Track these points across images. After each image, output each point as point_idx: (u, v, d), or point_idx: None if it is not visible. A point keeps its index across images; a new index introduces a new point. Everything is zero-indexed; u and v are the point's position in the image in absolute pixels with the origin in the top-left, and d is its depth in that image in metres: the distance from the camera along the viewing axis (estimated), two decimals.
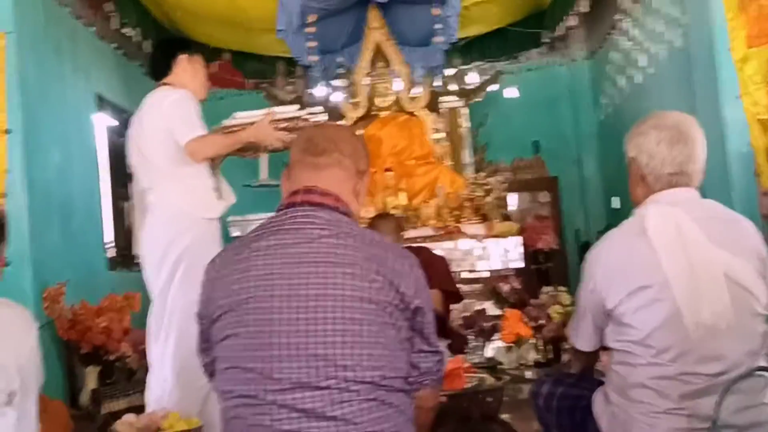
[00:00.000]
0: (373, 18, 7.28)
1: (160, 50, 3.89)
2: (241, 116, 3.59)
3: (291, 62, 7.73)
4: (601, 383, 2.42)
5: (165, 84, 3.61)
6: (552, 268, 7.19)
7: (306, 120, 3.55)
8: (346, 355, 1.70)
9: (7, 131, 4.45)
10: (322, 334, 1.70)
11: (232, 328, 1.77)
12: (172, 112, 3.41)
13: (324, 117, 7.00)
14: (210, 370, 1.93)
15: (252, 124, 3.48)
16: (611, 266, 2.26)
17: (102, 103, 6.40)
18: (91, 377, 4.67)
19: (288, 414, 1.68)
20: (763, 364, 2.17)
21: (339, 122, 7.32)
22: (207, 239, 3.39)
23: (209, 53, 7.87)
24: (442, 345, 3.87)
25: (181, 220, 3.43)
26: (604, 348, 2.39)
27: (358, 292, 1.73)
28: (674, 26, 5.69)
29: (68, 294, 4.72)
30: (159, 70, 3.67)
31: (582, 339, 2.44)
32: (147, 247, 3.48)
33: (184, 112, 3.43)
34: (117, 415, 3.83)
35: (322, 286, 1.73)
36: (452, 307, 5.02)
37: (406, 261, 1.81)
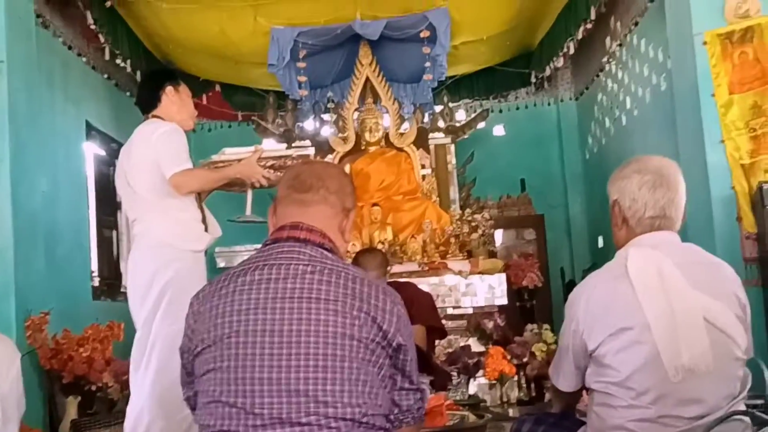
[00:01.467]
0: (364, 54, 7.36)
1: (148, 82, 3.90)
2: (230, 152, 3.61)
3: (281, 96, 7.78)
4: (583, 423, 2.42)
5: (154, 116, 3.63)
6: (536, 305, 7.21)
7: (294, 159, 3.57)
8: (327, 392, 1.70)
9: None
10: (303, 370, 1.71)
11: (214, 362, 1.77)
12: (160, 144, 3.41)
13: (311, 152, 7.03)
14: (192, 404, 1.93)
15: (240, 160, 3.49)
16: (593, 307, 2.27)
17: (91, 131, 6.43)
18: (71, 407, 4.63)
19: None
20: (741, 408, 2.19)
21: (328, 156, 7.38)
22: (192, 271, 3.39)
23: (199, 85, 7.94)
24: (425, 381, 3.88)
25: (167, 252, 3.42)
26: (586, 389, 2.41)
27: (341, 329, 1.74)
28: (658, 70, 5.79)
29: (52, 323, 4.69)
30: (147, 102, 3.66)
31: (563, 379, 2.44)
32: (132, 277, 3.48)
33: (172, 145, 3.43)
34: None
35: (305, 322, 1.74)
36: (436, 342, 5.03)
37: (388, 298, 1.83)
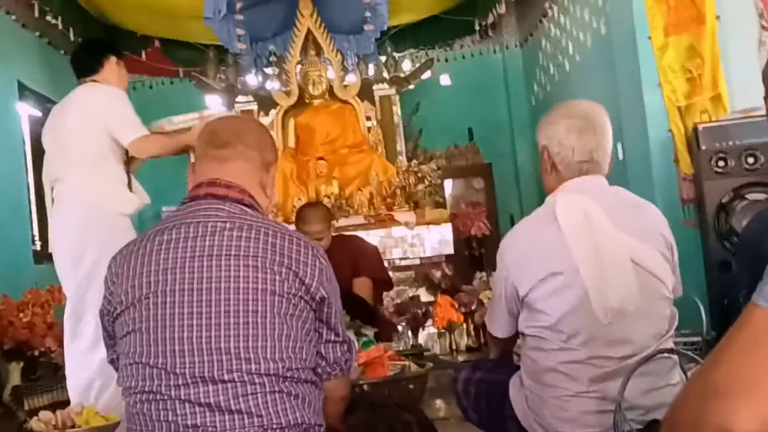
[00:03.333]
0: (304, 5, 7.24)
1: (90, 47, 3.83)
2: (178, 120, 3.57)
3: (223, 50, 7.64)
4: (518, 368, 2.45)
5: (93, 81, 3.54)
6: (485, 254, 7.25)
7: None
8: (249, 348, 1.69)
9: None
10: (224, 328, 1.69)
11: (133, 323, 1.75)
12: (111, 108, 3.39)
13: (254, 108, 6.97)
14: (116, 366, 1.91)
15: (188, 128, 3.45)
16: (522, 253, 2.29)
17: (24, 91, 6.24)
18: (14, 374, 4.56)
19: (191, 409, 1.66)
20: (669, 346, 2.24)
21: (271, 111, 7.29)
22: (122, 236, 3.35)
23: (138, 41, 7.76)
24: (370, 333, 3.89)
25: (95, 215, 3.38)
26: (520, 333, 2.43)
27: (261, 284, 1.72)
28: (598, 14, 5.79)
29: None
30: (87, 65, 3.59)
31: (498, 325, 2.47)
32: (60, 240, 3.43)
33: (126, 110, 3.41)
34: (38, 412, 3.77)
35: (225, 279, 1.72)
36: (384, 294, 5.04)
37: (310, 251, 1.81)
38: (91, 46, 3.84)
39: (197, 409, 1.66)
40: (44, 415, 2.62)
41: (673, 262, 2.29)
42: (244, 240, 1.76)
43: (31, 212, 6.08)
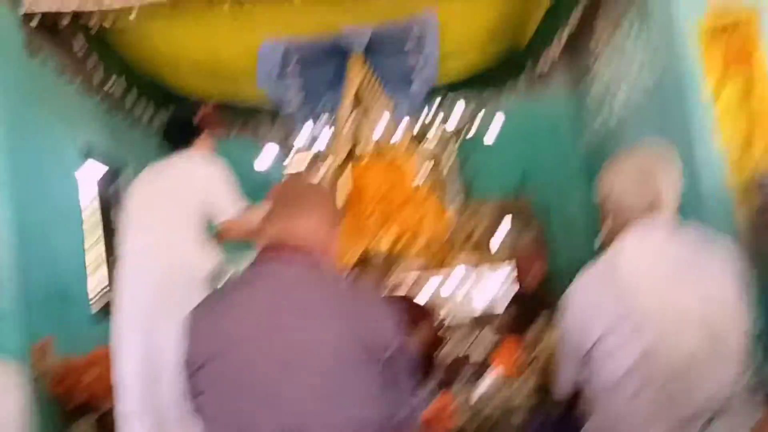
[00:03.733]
0: (355, 62, 7.36)
1: (183, 123, 4.00)
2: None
3: (276, 109, 7.79)
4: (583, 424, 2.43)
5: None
6: (540, 301, 7.16)
7: None
8: (326, 407, 1.72)
9: None
10: (299, 388, 1.73)
11: (208, 381, 1.80)
12: (217, 181, 3.54)
13: None
14: (195, 421, 1.95)
15: None
16: (585, 307, 2.28)
17: (87, 157, 6.43)
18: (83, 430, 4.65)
19: None
20: (735, 402, 2.19)
21: (322, 167, 7.39)
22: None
23: (193, 105, 7.95)
24: (432, 383, 3.89)
25: (177, 278, 3.49)
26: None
27: (335, 342, 1.76)
28: (650, 62, 5.79)
29: (61, 347, 4.71)
30: (179, 141, 3.80)
31: (562, 382, 2.46)
32: (134, 300, 3.52)
33: (228, 186, 3.56)
34: None
35: (298, 339, 1.76)
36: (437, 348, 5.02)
37: (380, 309, 1.85)
38: (185, 118, 4.02)
39: None
40: None
41: (744, 305, 2.25)
42: (318, 299, 1.80)
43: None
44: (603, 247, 2.43)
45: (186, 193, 3.56)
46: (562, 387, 2.46)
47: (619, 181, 2.36)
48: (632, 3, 6.02)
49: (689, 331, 2.15)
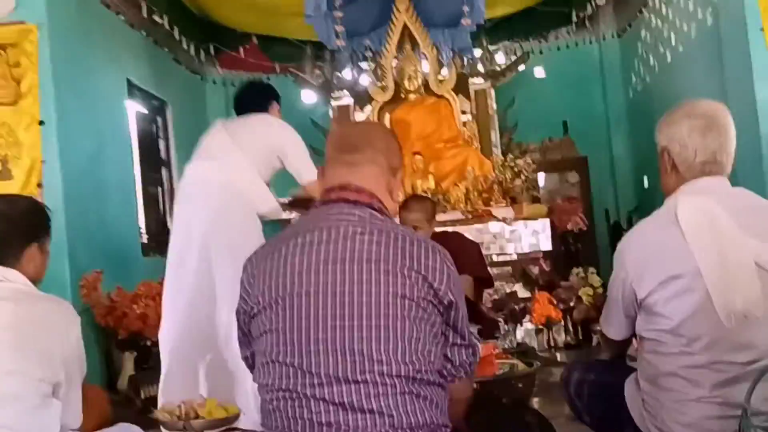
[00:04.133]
0: (400, 2, 7.25)
1: (260, 89, 4.18)
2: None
3: (319, 46, 7.73)
4: (633, 370, 2.43)
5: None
6: (582, 249, 7.16)
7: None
8: (381, 351, 1.73)
9: (41, 122, 4.52)
10: (357, 330, 1.74)
11: (269, 323, 1.81)
12: (297, 146, 3.81)
13: None
14: (250, 363, 1.98)
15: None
16: (642, 256, 2.26)
17: (132, 89, 6.46)
18: (128, 363, 4.77)
19: (325, 407, 1.72)
20: None
21: (366, 106, 7.35)
22: (255, 231, 3.71)
23: (237, 38, 7.94)
24: (474, 330, 3.91)
25: (241, 204, 3.70)
26: (636, 336, 2.41)
27: (392, 288, 1.76)
28: (704, 4, 5.63)
29: (105, 281, 4.82)
30: (254, 103, 3.96)
31: (613, 328, 2.45)
32: (226, 229, 3.64)
33: (306, 153, 3.84)
34: (155, 400, 3.93)
35: (358, 283, 1.77)
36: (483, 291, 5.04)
37: (438, 256, 1.84)
38: (262, 88, 4.20)
39: (331, 407, 1.72)
40: (168, 406, 2.74)
41: None
42: (375, 245, 1.80)
43: (137, 205, 6.28)
44: (663, 196, 2.39)
45: (262, 141, 3.77)
46: (614, 332, 2.46)
47: (681, 134, 2.30)
48: None
49: (747, 286, 2.13)
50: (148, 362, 4.76)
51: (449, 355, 1.90)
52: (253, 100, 4.01)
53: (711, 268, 2.13)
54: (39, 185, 4.50)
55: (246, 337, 1.96)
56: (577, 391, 2.63)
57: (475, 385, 2.74)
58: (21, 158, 4.49)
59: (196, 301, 3.60)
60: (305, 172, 3.77)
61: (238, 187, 3.66)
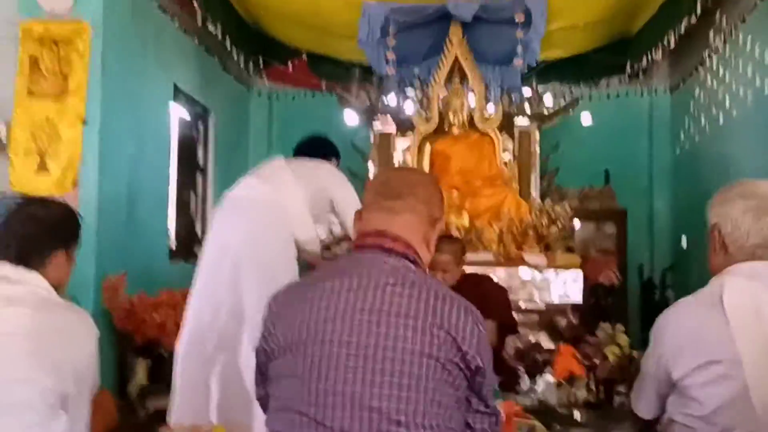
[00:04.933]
0: (454, 34, 7.20)
1: (327, 143, 4.40)
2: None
3: (367, 69, 7.71)
4: None
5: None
6: (612, 304, 7.02)
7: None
8: (401, 410, 1.65)
9: (84, 122, 4.53)
10: (378, 386, 1.66)
11: (286, 369, 1.75)
12: (350, 196, 3.89)
13: None
14: (263, 404, 1.91)
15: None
16: (681, 336, 2.19)
17: (178, 95, 6.48)
18: (141, 370, 4.72)
19: None
20: None
21: (408, 134, 7.29)
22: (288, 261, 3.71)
23: (287, 52, 7.95)
24: (496, 382, 3.82)
25: (282, 230, 3.73)
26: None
27: (419, 346, 1.69)
28: (763, 72, 5.52)
29: (130, 283, 4.79)
30: (319, 153, 4.16)
31: (643, 405, 2.38)
32: (232, 236, 3.67)
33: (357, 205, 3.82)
34: (162, 413, 3.88)
35: (384, 337, 1.69)
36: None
37: (470, 317, 1.76)
38: (327, 142, 4.40)
39: None
40: (177, 427, 2.68)
41: None
42: (406, 298, 1.73)
43: (168, 211, 6.27)
44: (710, 276, 2.30)
45: (319, 181, 3.87)
46: (644, 409, 2.39)
47: (733, 214, 2.22)
48: (753, 9, 5.73)
49: None
50: (161, 373, 4.71)
51: (470, 421, 1.81)
52: (317, 150, 4.19)
53: (753, 357, 2.05)
54: (74, 184, 4.49)
55: (262, 377, 1.89)
56: None
57: None
58: (59, 154, 4.49)
59: (221, 314, 3.57)
60: (350, 221, 3.76)
61: (283, 208, 3.67)
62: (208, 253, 3.71)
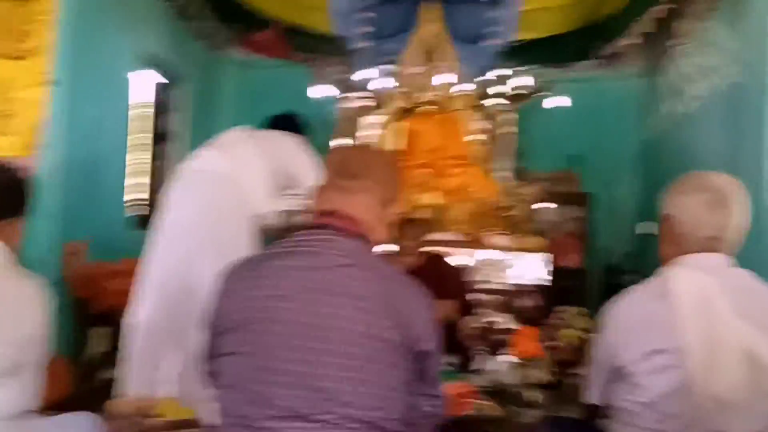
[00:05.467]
0: (428, 9, 7.17)
1: (297, 121, 4.27)
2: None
3: (341, 43, 7.65)
4: None
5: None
6: (573, 287, 7.08)
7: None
8: (348, 392, 1.66)
9: (56, 83, 4.44)
10: (326, 367, 1.67)
11: (234, 346, 1.74)
12: (312, 168, 3.81)
13: None
14: (210, 379, 1.91)
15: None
16: (628, 325, 2.22)
17: (147, 60, 6.39)
18: (97, 339, 4.69)
19: None
20: None
21: (379, 110, 7.26)
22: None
23: (260, 22, 7.86)
24: (450, 360, 3.86)
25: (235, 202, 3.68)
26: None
27: (367, 329, 1.69)
28: (731, 60, 5.55)
29: (91, 250, 4.75)
30: (287, 128, 4.09)
31: (591, 390, 2.42)
32: (186, 209, 3.63)
33: (314, 165, 3.86)
34: (112, 383, 3.87)
35: (332, 317, 1.70)
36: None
37: (421, 301, 1.78)
38: (301, 120, 4.30)
39: None
40: (124, 399, 2.68)
41: None
42: (358, 279, 1.73)
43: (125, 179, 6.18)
44: (659, 265, 2.33)
45: (282, 152, 3.84)
46: (592, 395, 2.42)
47: (688, 206, 2.25)
48: None
49: (731, 371, 2.08)
50: (117, 342, 4.68)
51: (417, 404, 1.83)
52: (286, 125, 4.12)
53: (697, 347, 2.09)
54: (34, 147, 4.41)
55: (210, 352, 1.89)
56: None
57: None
58: (17, 116, 4.39)
59: (171, 288, 3.54)
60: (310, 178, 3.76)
61: (240, 181, 3.63)
62: (164, 228, 3.67)
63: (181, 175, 3.78)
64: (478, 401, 3.01)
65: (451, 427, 2.73)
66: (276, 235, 3.76)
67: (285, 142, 3.94)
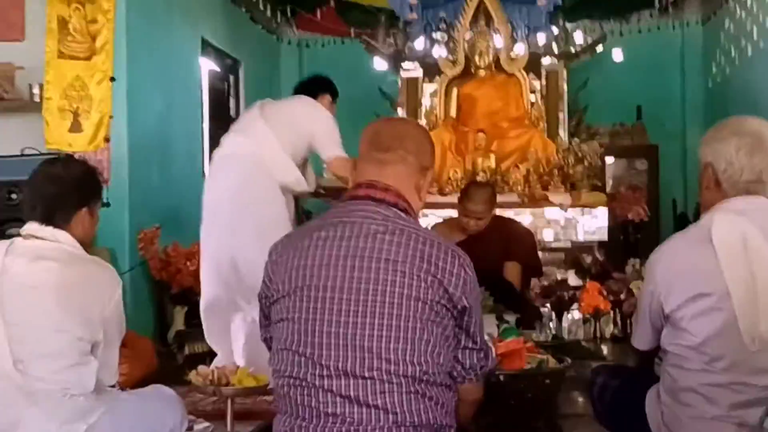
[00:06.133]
0: None
1: (314, 80, 4.35)
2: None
3: (393, 15, 7.72)
4: (658, 380, 2.44)
5: None
6: (642, 240, 7.03)
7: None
8: (390, 349, 1.79)
9: (112, 79, 4.66)
10: (369, 327, 1.80)
11: (287, 312, 1.89)
12: (327, 125, 3.92)
13: None
14: (268, 346, 2.07)
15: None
16: (672, 271, 2.25)
17: (207, 48, 6.57)
18: (178, 317, 4.94)
19: (332, 398, 1.79)
20: None
21: (435, 78, 7.31)
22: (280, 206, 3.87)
23: (315, 1, 7.98)
24: (512, 319, 3.94)
25: (267, 179, 3.84)
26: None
27: (407, 290, 1.81)
28: None
29: (163, 236, 4.98)
30: (306, 92, 4.13)
31: (639, 338, 2.46)
32: (227, 190, 3.82)
33: (336, 132, 3.96)
34: (197, 357, 4.10)
35: (374, 281, 1.82)
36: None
37: (457, 260, 1.88)
38: (320, 79, 4.35)
39: (338, 399, 1.79)
40: (202, 370, 2.86)
41: None
42: (395, 245, 1.85)
43: (203, 163, 6.41)
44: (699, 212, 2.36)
45: (293, 118, 3.91)
46: (641, 341, 2.47)
47: (726, 151, 2.26)
48: None
49: None
50: (196, 319, 4.91)
51: (460, 357, 1.95)
52: (307, 87, 4.19)
53: (740, 289, 2.12)
54: (106, 140, 4.65)
55: (266, 321, 2.04)
56: (600, 396, 2.66)
57: (501, 378, 2.79)
58: (91, 113, 4.64)
59: (222, 267, 3.80)
60: (329, 148, 3.88)
61: (260, 158, 3.79)
62: (204, 215, 3.94)
63: (213, 161, 4.06)
64: (537, 356, 3.08)
65: (508, 380, 2.84)
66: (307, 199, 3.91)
67: (294, 107, 4.04)
